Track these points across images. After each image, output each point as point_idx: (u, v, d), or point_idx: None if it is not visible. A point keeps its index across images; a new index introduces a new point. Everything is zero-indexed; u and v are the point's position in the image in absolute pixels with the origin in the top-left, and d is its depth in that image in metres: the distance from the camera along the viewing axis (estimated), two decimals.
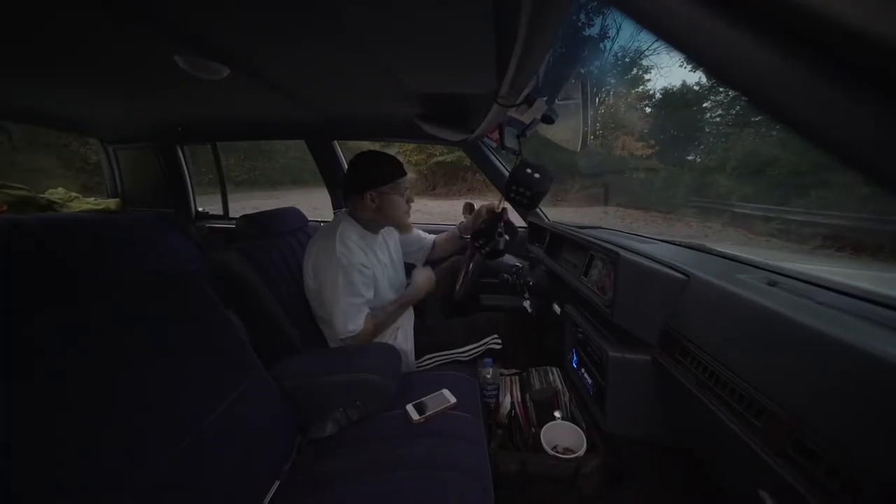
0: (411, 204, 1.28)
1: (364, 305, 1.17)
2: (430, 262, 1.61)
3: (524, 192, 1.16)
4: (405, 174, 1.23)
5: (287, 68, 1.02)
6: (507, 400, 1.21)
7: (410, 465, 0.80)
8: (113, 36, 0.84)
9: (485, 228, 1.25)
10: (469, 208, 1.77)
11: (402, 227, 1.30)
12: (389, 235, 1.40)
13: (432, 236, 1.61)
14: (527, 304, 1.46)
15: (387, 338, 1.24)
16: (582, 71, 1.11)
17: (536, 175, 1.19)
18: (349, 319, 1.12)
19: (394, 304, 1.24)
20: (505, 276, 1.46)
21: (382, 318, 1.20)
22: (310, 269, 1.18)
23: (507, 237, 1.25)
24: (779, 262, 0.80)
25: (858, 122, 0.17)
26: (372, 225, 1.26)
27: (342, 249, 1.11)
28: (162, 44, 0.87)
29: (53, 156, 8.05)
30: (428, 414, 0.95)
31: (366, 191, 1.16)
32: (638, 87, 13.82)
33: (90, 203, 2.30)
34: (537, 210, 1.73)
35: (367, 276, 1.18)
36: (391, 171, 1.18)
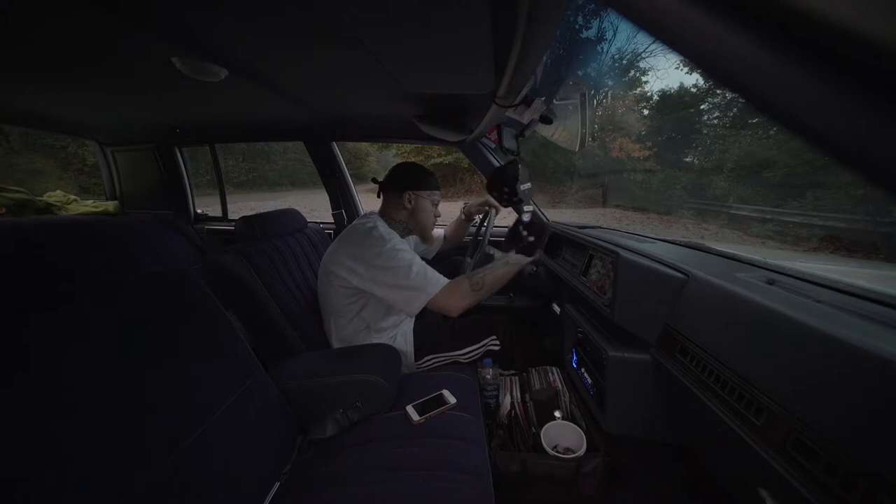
0: (437, 218, 1.34)
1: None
2: (436, 258, 1.65)
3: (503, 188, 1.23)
4: (440, 190, 1.30)
5: (285, 69, 1.02)
6: (507, 400, 1.21)
7: (411, 465, 0.80)
8: (110, 37, 0.84)
9: (511, 237, 1.40)
10: None
11: (427, 237, 1.34)
12: (410, 243, 1.42)
13: (441, 230, 1.67)
14: (519, 302, 1.51)
15: (386, 339, 1.24)
16: (579, 73, 1.11)
17: (519, 177, 1.25)
18: (428, 279, 1.09)
19: (501, 261, 1.20)
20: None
21: (482, 274, 1.14)
22: (348, 264, 1.12)
23: (531, 238, 1.36)
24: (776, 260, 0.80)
25: (856, 122, 0.17)
26: (401, 227, 1.28)
27: (387, 236, 1.13)
28: (159, 45, 0.87)
29: (51, 157, 8.04)
30: (428, 414, 0.95)
31: (406, 190, 1.22)
32: (635, 89, 13.92)
33: (88, 206, 2.30)
34: (537, 210, 1.74)
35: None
36: (432, 181, 1.27)
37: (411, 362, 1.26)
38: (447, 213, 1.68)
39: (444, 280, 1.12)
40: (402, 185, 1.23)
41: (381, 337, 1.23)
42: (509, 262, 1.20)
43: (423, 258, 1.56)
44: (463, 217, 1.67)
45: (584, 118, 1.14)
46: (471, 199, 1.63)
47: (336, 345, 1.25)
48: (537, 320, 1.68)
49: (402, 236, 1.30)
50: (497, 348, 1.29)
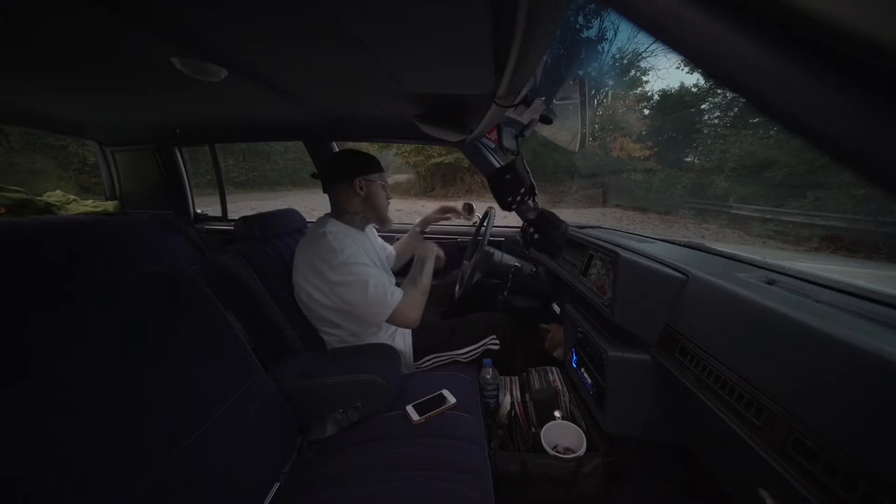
0: (389, 201, 1.32)
1: (387, 278, 1.14)
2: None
3: (518, 187, 1.21)
4: (384, 171, 1.28)
5: (285, 69, 1.02)
6: (507, 400, 1.21)
7: (410, 465, 0.80)
8: (110, 37, 0.84)
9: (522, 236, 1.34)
10: (468, 208, 1.78)
11: (385, 221, 1.29)
12: (372, 235, 1.39)
13: (391, 246, 1.62)
14: (519, 302, 1.48)
15: (385, 339, 1.24)
16: (580, 72, 1.11)
17: (508, 176, 1.21)
18: (387, 291, 1.08)
19: (414, 271, 1.21)
20: (511, 274, 1.47)
21: (418, 278, 1.18)
22: (308, 277, 1.12)
23: (536, 235, 1.30)
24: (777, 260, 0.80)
25: (856, 122, 0.17)
26: (358, 219, 1.25)
27: (338, 246, 1.09)
28: (159, 45, 0.87)
29: (51, 157, 8.05)
30: (428, 414, 0.94)
31: (356, 177, 1.18)
32: (636, 89, 13.91)
33: (88, 205, 2.30)
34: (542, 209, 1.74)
35: (371, 260, 1.16)
36: (375, 163, 1.23)
37: (410, 362, 1.26)
38: None
39: (400, 292, 1.11)
40: (351, 172, 1.19)
41: (377, 339, 1.22)
42: (420, 267, 1.22)
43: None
44: (418, 230, 1.64)
45: (584, 118, 1.14)
46: (471, 202, 1.62)
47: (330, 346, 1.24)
48: (537, 320, 1.68)
49: (362, 228, 1.27)
50: (497, 347, 1.29)
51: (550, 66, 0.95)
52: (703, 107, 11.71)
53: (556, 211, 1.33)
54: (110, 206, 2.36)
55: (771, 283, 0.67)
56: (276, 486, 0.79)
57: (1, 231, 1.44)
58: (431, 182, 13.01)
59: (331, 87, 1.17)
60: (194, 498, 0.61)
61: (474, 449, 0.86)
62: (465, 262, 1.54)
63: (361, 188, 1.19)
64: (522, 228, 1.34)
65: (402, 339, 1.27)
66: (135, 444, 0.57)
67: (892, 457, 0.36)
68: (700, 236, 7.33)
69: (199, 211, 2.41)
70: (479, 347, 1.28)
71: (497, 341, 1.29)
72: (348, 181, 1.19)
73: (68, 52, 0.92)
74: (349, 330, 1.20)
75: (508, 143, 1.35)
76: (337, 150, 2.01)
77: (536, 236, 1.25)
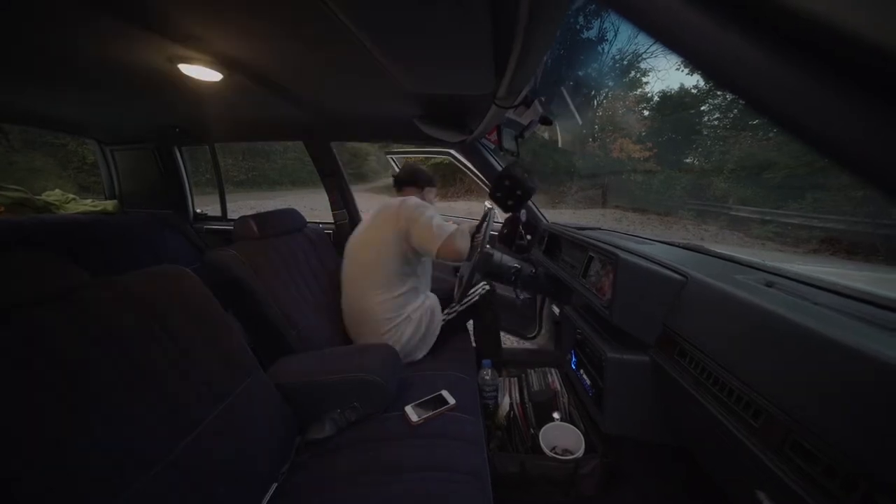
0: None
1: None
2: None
3: (515, 190, 1.26)
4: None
5: (285, 69, 1.02)
6: (506, 401, 1.21)
7: (409, 466, 0.79)
8: (110, 38, 0.84)
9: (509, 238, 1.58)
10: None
11: None
12: None
13: None
14: (520, 297, 1.52)
15: (424, 318, 1.33)
16: (580, 73, 1.12)
17: (526, 175, 1.26)
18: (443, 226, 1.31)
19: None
20: (512, 275, 1.50)
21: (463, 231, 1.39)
22: (400, 231, 1.28)
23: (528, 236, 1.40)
24: (776, 262, 0.80)
25: (854, 124, 0.17)
26: None
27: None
28: (159, 45, 0.87)
29: (51, 156, 8.04)
30: (427, 415, 0.94)
31: (426, 186, 1.50)
32: (636, 90, 13.90)
33: (87, 205, 2.29)
34: (536, 211, 1.74)
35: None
36: (434, 180, 1.57)
37: (439, 317, 1.40)
38: (446, 211, 1.69)
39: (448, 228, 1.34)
40: (422, 182, 1.50)
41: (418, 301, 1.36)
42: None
43: None
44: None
45: (584, 119, 1.14)
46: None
47: (383, 315, 1.28)
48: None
49: None
50: (487, 289, 1.49)
51: (550, 66, 0.95)
52: (702, 108, 11.70)
53: (556, 211, 1.35)
54: (109, 205, 2.36)
55: (769, 285, 0.67)
56: (275, 486, 0.79)
57: (0, 230, 1.44)
58: None
59: (331, 87, 1.17)
60: (193, 498, 0.61)
61: (473, 450, 0.86)
62: (464, 261, 1.54)
63: (426, 195, 1.51)
64: (515, 229, 1.43)
65: (432, 304, 1.41)
66: (134, 444, 0.57)
67: (890, 457, 0.36)
68: (699, 238, 7.33)
69: (198, 210, 2.40)
70: (475, 289, 1.49)
71: (487, 286, 1.50)
72: (420, 188, 1.49)
73: (69, 52, 0.92)
74: (413, 283, 1.37)
75: (508, 144, 1.35)
76: (335, 150, 2.01)
77: (529, 237, 1.32)
